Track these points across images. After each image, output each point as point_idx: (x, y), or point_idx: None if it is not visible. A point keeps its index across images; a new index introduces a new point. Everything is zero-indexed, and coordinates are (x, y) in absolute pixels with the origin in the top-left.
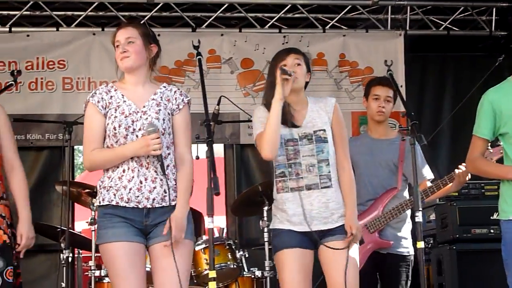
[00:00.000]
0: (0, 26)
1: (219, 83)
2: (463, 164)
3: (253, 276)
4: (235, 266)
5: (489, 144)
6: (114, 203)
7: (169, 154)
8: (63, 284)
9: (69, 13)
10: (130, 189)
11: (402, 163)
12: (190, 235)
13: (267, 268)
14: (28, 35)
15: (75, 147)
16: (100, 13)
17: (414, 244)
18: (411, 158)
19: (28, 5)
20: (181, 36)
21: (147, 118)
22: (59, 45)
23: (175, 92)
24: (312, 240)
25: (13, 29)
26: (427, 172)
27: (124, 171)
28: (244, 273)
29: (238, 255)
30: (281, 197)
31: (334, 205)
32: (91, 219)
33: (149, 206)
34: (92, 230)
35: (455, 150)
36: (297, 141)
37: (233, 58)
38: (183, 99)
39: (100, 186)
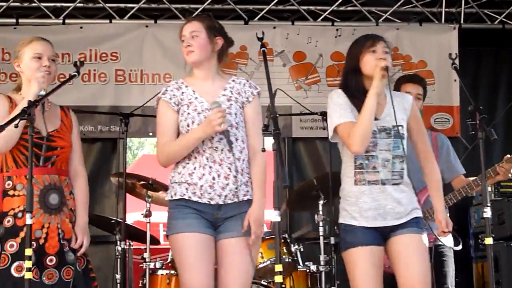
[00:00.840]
0: (54, 18)
1: (271, 76)
2: (507, 156)
3: (308, 271)
4: (290, 260)
5: None
6: (186, 197)
7: (244, 148)
8: (118, 276)
9: (122, 5)
10: (202, 186)
11: (438, 158)
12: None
13: (322, 263)
14: (81, 27)
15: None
16: (153, 5)
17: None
18: (480, 151)
19: None
20: (234, 28)
21: None
22: (112, 37)
23: (244, 84)
24: (382, 235)
25: (66, 21)
26: (460, 167)
27: (195, 168)
28: (299, 267)
29: (293, 249)
30: (358, 190)
31: (405, 201)
32: (146, 211)
33: (221, 202)
34: (147, 222)
35: (509, 145)
36: (376, 133)
37: (285, 51)
38: (252, 91)
39: (171, 181)
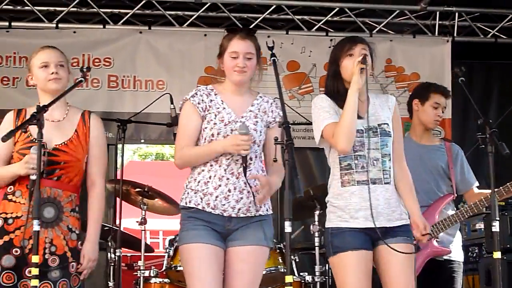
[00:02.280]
0: (47, 22)
1: (265, 85)
2: None
3: (303, 281)
4: (285, 270)
5: None
6: (200, 207)
7: (263, 166)
8: (110, 284)
9: (116, 10)
10: (217, 196)
11: (452, 170)
12: (270, 241)
13: (317, 273)
14: (74, 32)
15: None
16: (147, 12)
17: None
18: (489, 165)
19: (75, 1)
20: None
21: None
22: (106, 43)
23: (271, 104)
24: (372, 239)
25: (59, 25)
26: (473, 179)
27: (210, 177)
28: (294, 277)
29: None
30: (346, 191)
31: (394, 202)
32: (141, 219)
33: (233, 215)
34: (142, 230)
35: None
36: (363, 132)
37: (279, 60)
38: (278, 112)
39: (187, 186)
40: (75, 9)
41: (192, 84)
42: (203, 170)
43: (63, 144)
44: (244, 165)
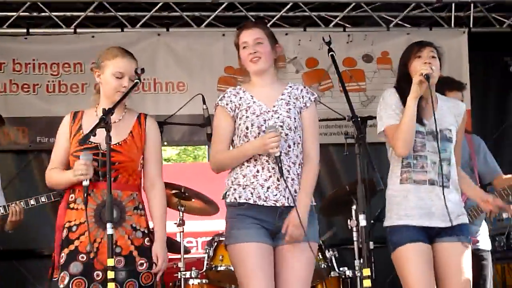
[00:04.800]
0: (65, 27)
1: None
2: None
3: (344, 276)
4: (325, 266)
5: None
6: (251, 201)
7: (300, 153)
8: None
9: (133, 13)
10: (268, 187)
11: (475, 161)
12: (316, 237)
13: (357, 268)
14: (93, 36)
15: None
16: (164, 14)
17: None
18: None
19: (93, 6)
20: None
21: (278, 117)
22: (124, 46)
23: (301, 90)
24: (428, 236)
25: (78, 30)
26: (498, 166)
27: (258, 171)
28: (332, 273)
29: (328, 254)
30: (404, 188)
31: (451, 205)
32: (179, 220)
33: (286, 204)
34: (180, 232)
35: None
36: (425, 135)
37: (298, 58)
38: (309, 97)
39: (233, 182)
40: (92, 13)
41: (213, 84)
42: (248, 166)
43: (117, 144)
44: (279, 165)
